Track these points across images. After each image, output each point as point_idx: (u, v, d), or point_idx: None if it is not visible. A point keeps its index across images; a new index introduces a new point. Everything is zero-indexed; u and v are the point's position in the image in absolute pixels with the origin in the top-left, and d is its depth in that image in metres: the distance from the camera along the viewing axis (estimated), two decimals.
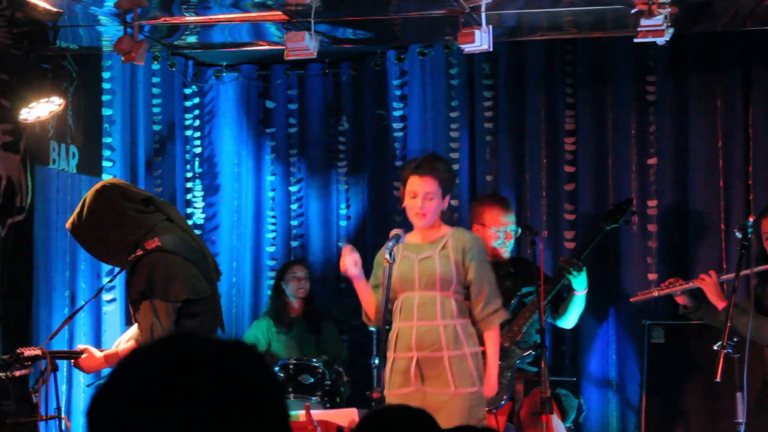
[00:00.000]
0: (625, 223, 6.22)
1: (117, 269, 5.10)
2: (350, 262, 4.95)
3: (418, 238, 5.14)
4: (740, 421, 4.93)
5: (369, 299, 5.14)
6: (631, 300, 5.94)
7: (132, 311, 4.82)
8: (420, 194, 5.01)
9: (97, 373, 6.61)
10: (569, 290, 5.93)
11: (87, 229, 4.81)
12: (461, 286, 5.06)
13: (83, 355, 4.92)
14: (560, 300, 5.99)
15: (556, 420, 5.62)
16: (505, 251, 5.91)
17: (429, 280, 5.01)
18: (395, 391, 4.93)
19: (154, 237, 4.73)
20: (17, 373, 5.01)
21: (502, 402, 5.64)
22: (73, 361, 4.98)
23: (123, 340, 5.07)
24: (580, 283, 5.85)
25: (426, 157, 5.18)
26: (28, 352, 4.95)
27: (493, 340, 5.10)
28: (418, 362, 4.93)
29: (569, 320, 6.02)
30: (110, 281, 5.44)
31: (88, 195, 4.86)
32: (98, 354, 4.92)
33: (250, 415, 1.50)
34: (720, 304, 5.36)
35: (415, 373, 4.92)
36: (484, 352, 5.09)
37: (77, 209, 4.87)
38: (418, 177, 5.01)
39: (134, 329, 4.89)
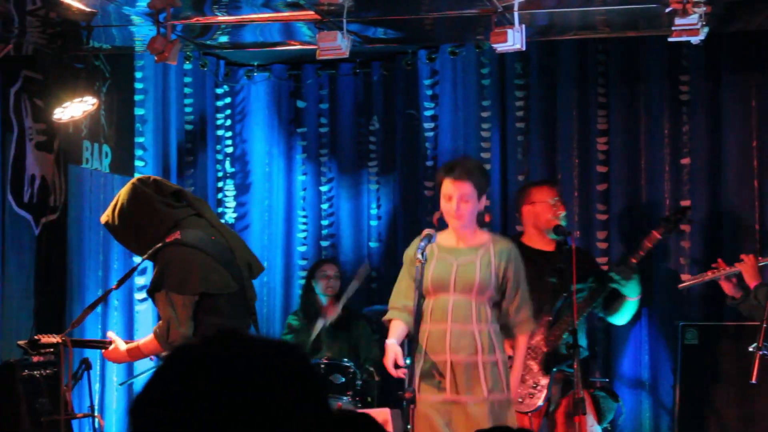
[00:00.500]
0: (679, 231, 6.13)
1: (145, 264, 5.14)
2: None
3: (453, 240, 5.10)
4: None
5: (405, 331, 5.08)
6: (679, 287, 5.89)
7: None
8: (455, 197, 5.00)
9: (130, 372, 6.65)
10: (619, 295, 5.86)
11: (121, 223, 4.86)
12: (496, 292, 5.05)
13: (110, 347, 4.95)
14: (612, 297, 5.93)
15: (591, 421, 5.59)
16: (558, 221, 5.81)
17: (466, 285, 4.98)
18: (428, 397, 4.91)
19: (176, 230, 4.77)
20: (35, 359, 5.03)
21: (540, 404, 5.62)
22: (103, 351, 5.02)
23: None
24: (631, 290, 5.79)
25: (459, 160, 5.18)
26: (46, 338, 4.98)
27: (523, 344, 5.12)
28: (453, 367, 4.91)
29: (619, 319, 5.98)
30: (129, 274, 5.46)
31: (123, 190, 4.92)
32: (122, 347, 4.95)
33: (294, 414, 1.50)
34: (753, 283, 5.40)
35: (450, 380, 4.90)
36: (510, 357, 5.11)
37: (112, 203, 4.92)
38: (452, 180, 5.00)
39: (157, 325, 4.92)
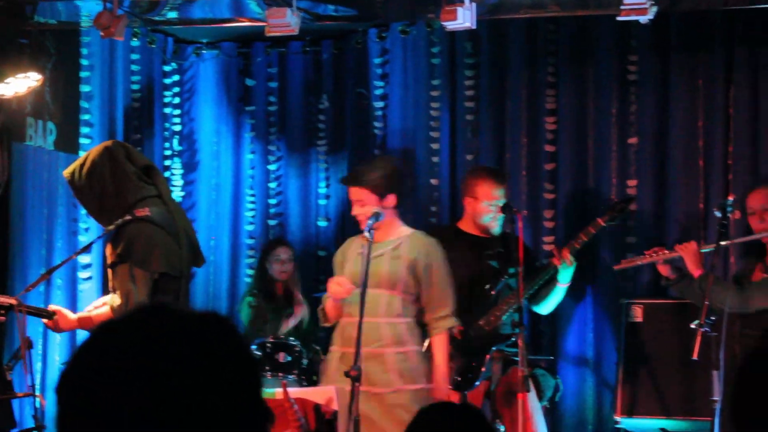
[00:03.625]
0: (623, 221, 6.18)
1: (95, 237, 5.12)
2: (341, 290, 5.12)
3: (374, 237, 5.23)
4: (716, 399, 4.93)
5: (337, 311, 5.26)
6: (614, 267, 5.89)
7: (110, 275, 4.84)
8: (353, 202, 5.20)
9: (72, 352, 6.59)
10: (551, 279, 5.92)
11: (88, 182, 4.83)
12: (410, 286, 5.15)
13: (55, 316, 4.93)
14: (540, 287, 5.99)
15: (533, 398, 5.65)
16: (496, 225, 5.89)
17: (376, 278, 5.07)
18: (344, 387, 4.94)
19: (145, 207, 4.76)
20: None
21: (476, 383, 5.67)
22: (47, 321, 4.97)
23: (97, 304, 5.07)
24: (565, 276, 5.86)
25: (354, 168, 5.40)
26: (1, 299, 4.91)
27: (439, 345, 5.15)
28: (363, 359, 4.93)
29: (545, 308, 6.06)
30: (89, 246, 5.42)
31: (94, 149, 4.91)
32: (72, 316, 4.94)
33: (223, 387, 1.48)
34: (696, 272, 5.36)
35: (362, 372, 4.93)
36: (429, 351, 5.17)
37: (80, 161, 4.90)
38: (348, 187, 5.25)
39: (104, 299, 4.89)
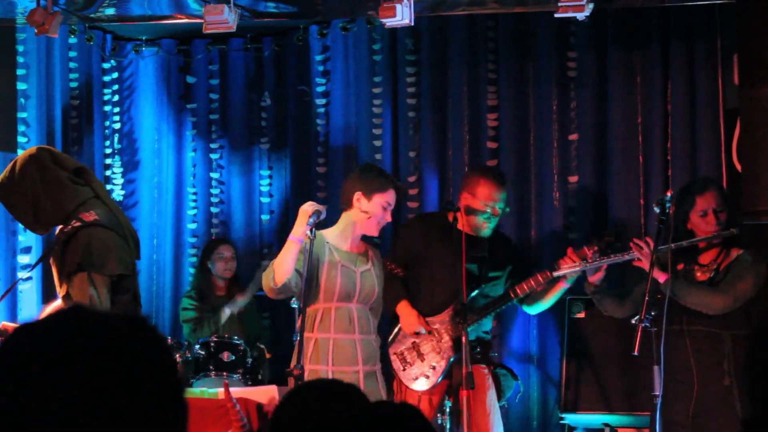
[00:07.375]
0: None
1: (30, 240, 5.03)
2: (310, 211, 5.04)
3: (345, 244, 5.25)
4: (657, 393, 4.96)
5: (291, 264, 5.07)
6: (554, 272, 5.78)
7: (61, 285, 4.75)
8: (391, 208, 5.25)
9: None
10: (557, 279, 5.63)
11: (16, 191, 4.74)
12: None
13: (8, 333, 4.85)
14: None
15: (492, 396, 5.62)
16: (487, 228, 5.68)
17: (368, 295, 5.17)
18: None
19: (90, 210, 4.69)
20: None
21: (434, 384, 5.64)
22: None
23: (50, 311, 4.99)
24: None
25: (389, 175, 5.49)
26: None
27: None
28: (361, 378, 5.05)
29: (540, 308, 5.82)
30: (36, 263, 5.35)
31: (20, 158, 4.80)
32: None
33: (140, 388, 1.46)
34: (662, 277, 5.13)
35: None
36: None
37: (6, 171, 4.80)
38: (395, 191, 5.26)
39: (55, 304, 4.82)
